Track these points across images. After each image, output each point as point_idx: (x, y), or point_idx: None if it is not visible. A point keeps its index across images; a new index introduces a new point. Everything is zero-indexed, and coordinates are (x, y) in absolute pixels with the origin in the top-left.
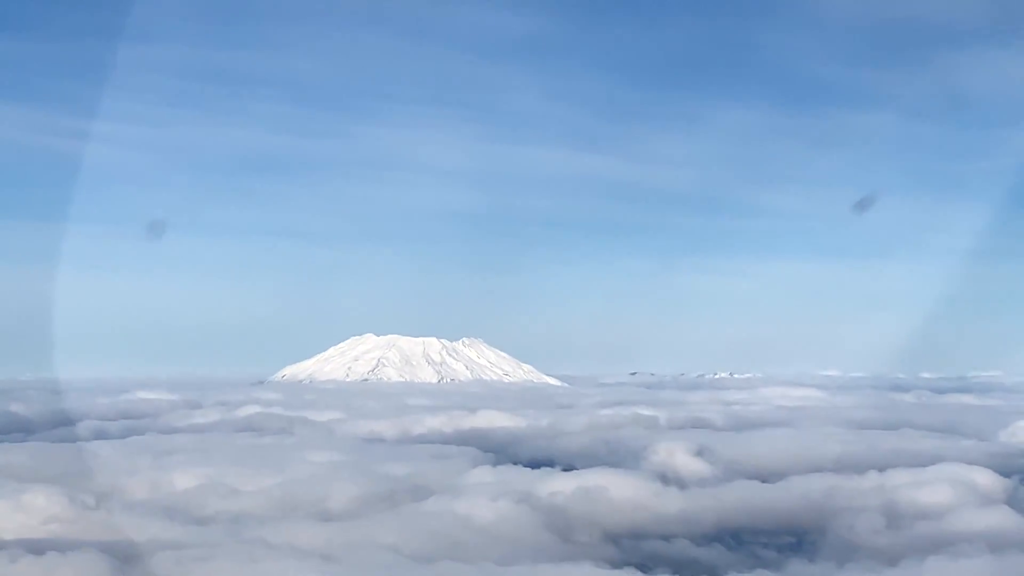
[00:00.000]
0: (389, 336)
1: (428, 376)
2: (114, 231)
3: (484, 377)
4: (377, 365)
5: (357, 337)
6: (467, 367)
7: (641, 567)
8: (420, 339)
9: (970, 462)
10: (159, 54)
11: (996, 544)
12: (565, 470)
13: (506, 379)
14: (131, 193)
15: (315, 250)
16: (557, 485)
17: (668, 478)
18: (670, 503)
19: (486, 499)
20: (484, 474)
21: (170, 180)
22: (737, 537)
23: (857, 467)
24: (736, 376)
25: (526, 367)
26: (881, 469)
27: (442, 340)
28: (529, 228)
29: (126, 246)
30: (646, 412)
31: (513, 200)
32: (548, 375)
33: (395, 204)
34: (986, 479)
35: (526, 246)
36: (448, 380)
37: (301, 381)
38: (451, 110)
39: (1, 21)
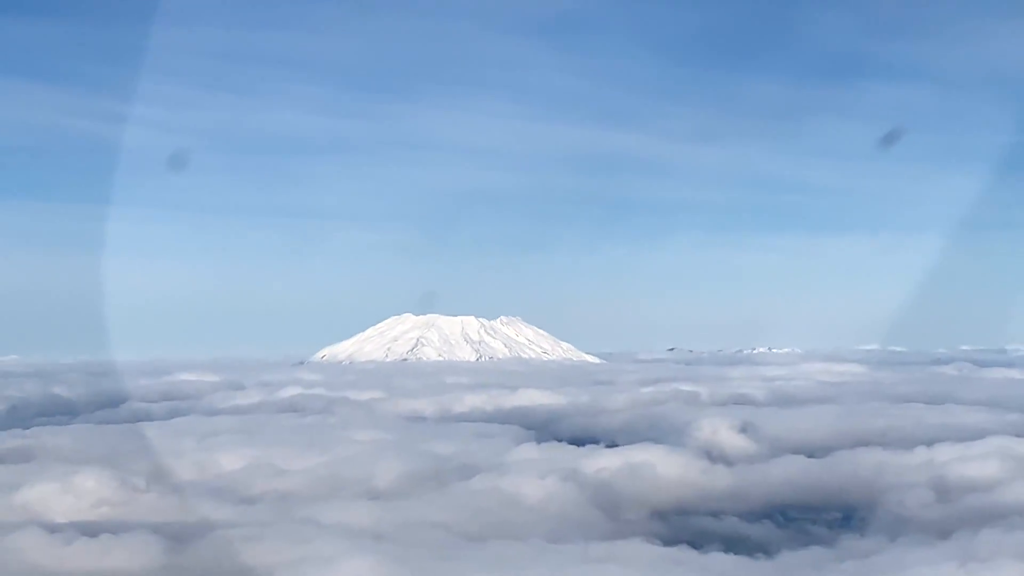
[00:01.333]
0: (427, 316)
1: (467, 355)
2: (155, 215)
3: (523, 355)
4: (416, 345)
5: (395, 317)
6: (505, 345)
7: (692, 544)
8: (458, 318)
9: (1018, 435)
10: (194, 36)
11: None
12: (609, 447)
13: (545, 357)
14: (170, 176)
15: (353, 231)
16: (602, 462)
17: (713, 455)
18: (717, 480)
19: (533, 477)
20: (529, 452)
21: (208, 162)
22: (786, 513)
23: (904, 442)
24: (775, 351)
25: (564, 345)
26: (928, 444)
27: (480, 319)
28: (566, 207)
29: (166, 229)
30: (687, 388)
31: (549, 178)
32: (586, 352)
33: (431, 184)
34: None
35: (563, 224)
36: (487, 359)
37: (341, 362)
38: (486, 89)
39: (39, 4)
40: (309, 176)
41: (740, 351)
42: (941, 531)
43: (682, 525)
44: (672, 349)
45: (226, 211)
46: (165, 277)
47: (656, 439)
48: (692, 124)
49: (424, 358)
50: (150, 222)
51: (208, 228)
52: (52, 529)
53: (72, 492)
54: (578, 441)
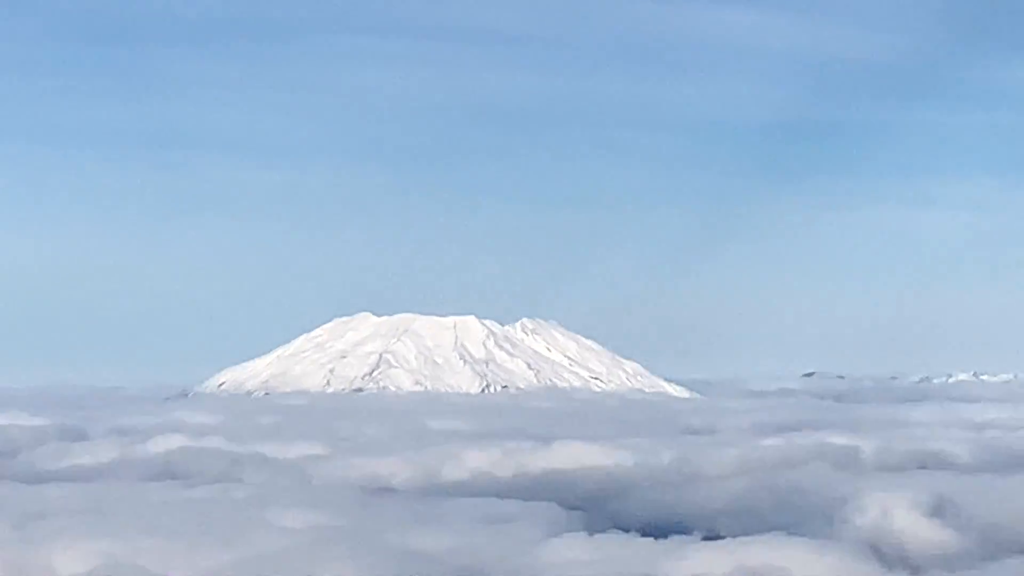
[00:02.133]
0: (398, 316)
1: (464, 381)
2: None
3: (558, 383)
4: (379, 364)
5: (344, 319)
6: (530, 366)
7: None
8: (450, 319)
9: None
10: None
11: None
12: (709, 539)
13: (597, 386)
14: None
15: (269, 180)
16: (699, 565)
17: (886, 553)
18: None
19: None
20: (573, 546)
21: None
22: None
23: None
24: (986, 379)
25: (630, 366)
26: None
27: (487, 322)
28: (625, 158)
29: None
30: (838, 440)
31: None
32: (665, 379)
33: (401, 103)
34: None
35: (622, 178)
36: (498, 388)
37: (250, 393)
38: None
39: None
40: (191, 85)
41: (926, 379)
42: None
43: None
44: (810, 375)
45: (50, 143)
46: None
47: (789, 527)
48: None
49: (392, 387)
50: None
51: (23, 175)
52: None
53: None
54: (656, 530)
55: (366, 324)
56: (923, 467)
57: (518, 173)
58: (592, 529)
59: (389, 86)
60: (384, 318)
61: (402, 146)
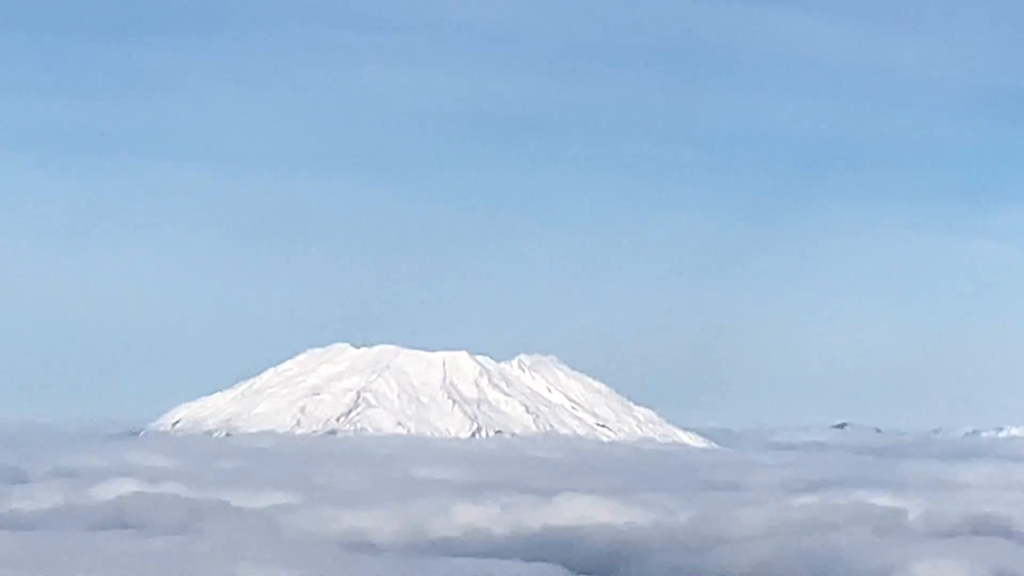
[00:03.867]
0: (379, 348)
1: (453, 424)
2: None
3: (560, 429)
4: (357, 403)
5: (318, 351)
6: (528, 409)
7: None
8: (438, 354)
9: None
10: None
11: None
12: None
13: (604, 434)
14: None
15: (236, 192)
16: None
17: None
18: None
19: None
20: None
21: None
22: None
23: None
24: None
25: (641, 412)
26: None
27: (480, 357)
28: (637, 176)
29: None
30: (880, 501)
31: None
32: (683, 428)
33: (389, 111)
34: None
35: (632, 199)
36: (491, 433)
37: (211, 432)
38: None
39: None
40: (151, 84)
41: (973, 432)
42: None
43: None
44: (842, 426)
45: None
46: None
47: None
48: None
49: (371, 429)
50: None
51: None
52: None
53: None
54: None
55: (343, 357)
56: (977, 533)
57: (516, 190)
58: None
59: (373, 92)
60: (363, 351)
61: (387, 158)
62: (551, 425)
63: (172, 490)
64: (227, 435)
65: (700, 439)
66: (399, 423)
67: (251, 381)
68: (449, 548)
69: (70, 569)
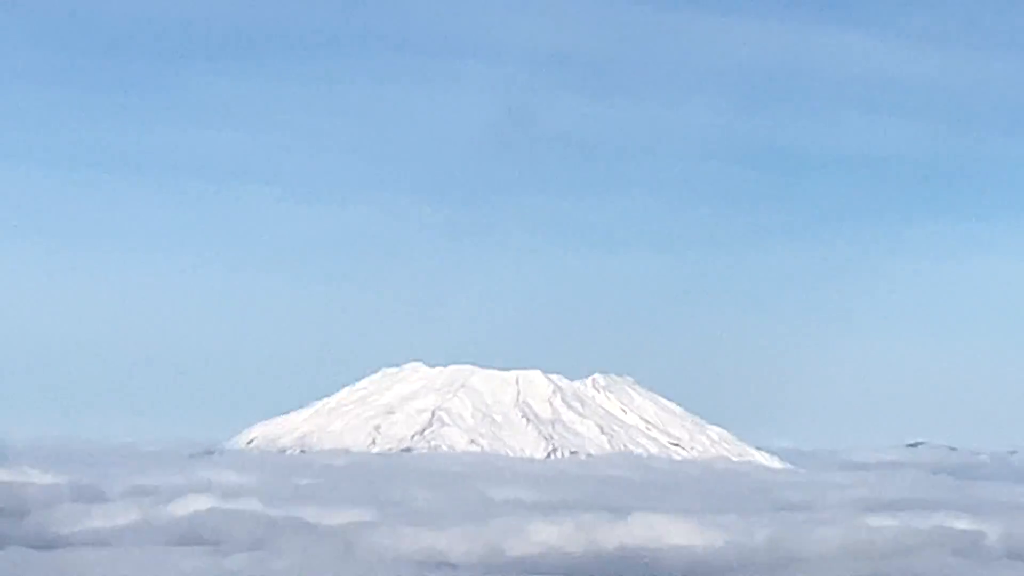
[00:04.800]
0: (454, 368)
1: (528, 444)
2: None
3: (634, 449)
4: (431, 422)
5: (393, 369)
6: (603, 429)
7: None
8: (512, 373)
9: None
10: None
11: None
12: None
13: (678, 453)
14: None
15: (309, 215)
16: None
17: None
18: None
19: None
20: None
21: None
22: None
23: None
24: None
25: (714, 431)
26: None
27: (554, 376)
28: (711, 195)
29: None
30: (959, 524)
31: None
32: (756, 448)
33: (456, 135)
34: None
35: (705, 218)
36: (566, 453)
37: (285, 451)
38: None
39: None
40: (225, 108)
41: None
42: None
43: None
44: (916, 445)
45: (70, 171)
46: None
47: None
48: None
49: (446, 447)
50: None
51: (35, 203)
52: None
53: None
54: None
55: (417, 376)
56: None
57: (589, 210)
58: None
59: (442, 115)
60: (437, 370)
61: (458, 180)
62: (624, 445)
63: (248, 507)
64: (301, 452)
65: (774, 459)
66: (473, 441)
67: (326, 400)
68: (526, 567)
69: None
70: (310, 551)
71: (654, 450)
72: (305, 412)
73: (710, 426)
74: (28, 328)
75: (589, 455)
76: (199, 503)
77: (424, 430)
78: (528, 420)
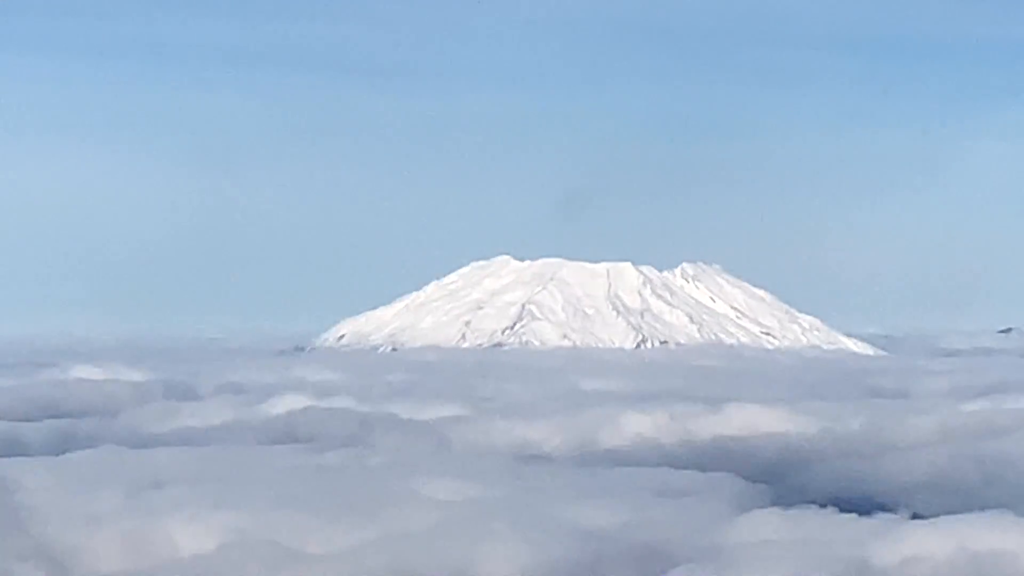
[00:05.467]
0: (543, 262)
1: (618, 335)
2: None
3: (724, 338)
4: (521, 316)
5: (481, 263)
6: (692, 319)
7: None
8: (602, 265)
9: None
10: None
11: None
12: (917, 516)
13: (769, 342)
14: None
15: (397, 107)
16: (915, 546)
17: None
18: None
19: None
20: (768, 523)
21: None
22: None
23: None
24: None
25: (805, 319)
26: None
27: (643, 268)
28: (798, 80)
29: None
30: None
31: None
32: (847, 335)
33: (545, 24)
34: None
35: (793, 104)
36: (656, 343)
37: (376, 347)
38: None
39: None
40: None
41: None
42: None
43: None
44: (1007, 331)
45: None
46: (53, 194)
47: (1005, 504)
48: None
49: (536, 342)
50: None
51: (127, 117)
52: None
53: None
54: (855, 506)
55: (506, 270)
56: None
57: (675, 99)
58: (783, 504)
59: (531, 6)
60: (527, 263)
61: (547, 71)
62: (715, 334)
63: (342, 404)
64: (392, 349)
65: (865, 346)
66: (564, 335)
67: (414, 295)
68: (620, 458)
69: (248, 485)
70: (405, 447)
71: (744, 339)
72: (394, 307)
73: (801, 314)
74: (111, 226)
75: (679, 344)
76: (293, 401)
77: (514, 324)
78: (618, 312)
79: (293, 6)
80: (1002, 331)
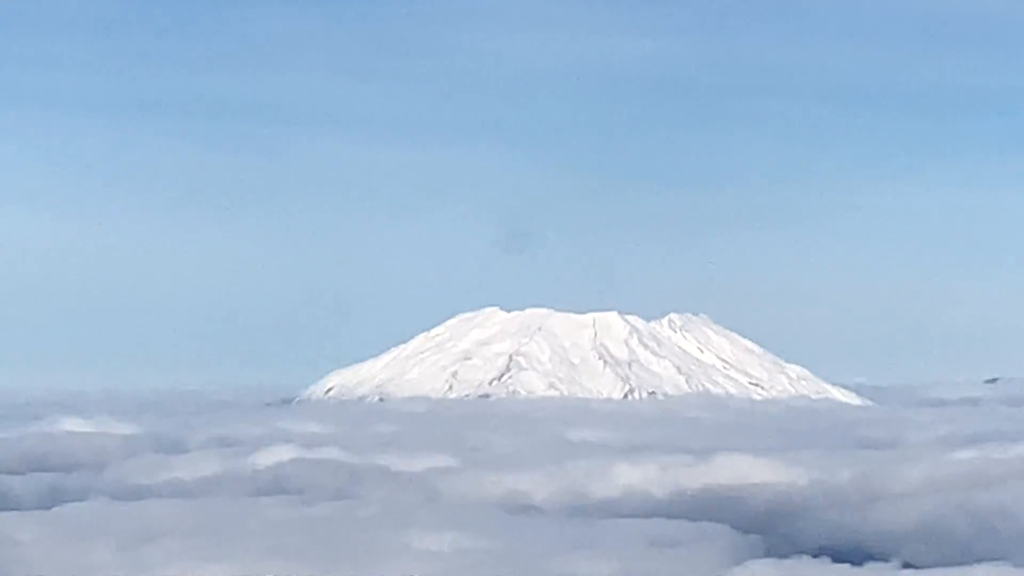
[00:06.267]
0: (531, 312)
1: (605, 386)
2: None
3: (712, 388)
4: (508, 366)
5: (468, 315)
6: (680, 369)
7: None
8: (588, 316)
9: None
10: None
11: None
12: (909, 566)
13: (757, 393)
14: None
15: (385, 160)
16: None
17: None
18: None
19: None
20: (763, 574)
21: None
22: None
23: None
24: None
25: (792, 370)
26: None
27: (630, 317)
28: (786, 133)
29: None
30: None
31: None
32: (835, 385)
33: (533, 75)
34: None
35: (778, 156)
36: (644, 394)
37: (364, 398)
38: None
39: None
40: (295, 51)
41: None
42: None
43: None
44: (994, 380)
45: (128, 111)
46: (27, 247)
47: (995, 555)
48: None
49: (524, 392)
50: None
51: (119, 178)
52: None
53: None
54: (843, 554)
55: (493, 321)
56: None
57: (661, 150)
58: (776, 555)
59: (520, 53)
60: (514, 314)
61: (533, 123)
62: (703, 385)
63: (330, 455)
64: (379, 400)
65: (853, 396)
66: (551, 385)
67: (402, 347)
68: (611, 509)
69: (240, 536)
70: (395, 498)
71: (733, 390)
72: (382, 360)
73: (788, 364)
74: (100, 279)
75: (667, 395)
76: (282, 453)
77: (502, 375)
78: (605, 362)
79: (276, 60)
80: (988, 381)
